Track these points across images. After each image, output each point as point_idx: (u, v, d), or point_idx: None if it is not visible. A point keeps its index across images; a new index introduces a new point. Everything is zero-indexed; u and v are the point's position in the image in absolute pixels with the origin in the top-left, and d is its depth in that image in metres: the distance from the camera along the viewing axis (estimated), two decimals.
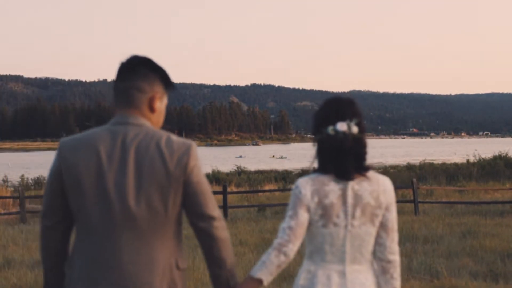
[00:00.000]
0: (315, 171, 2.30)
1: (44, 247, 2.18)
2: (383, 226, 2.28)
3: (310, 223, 2.26)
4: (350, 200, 2.24)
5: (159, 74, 2.21)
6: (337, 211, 2.24)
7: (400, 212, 13.79)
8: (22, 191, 14.13)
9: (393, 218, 2.30)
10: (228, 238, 2.18)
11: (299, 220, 2.22)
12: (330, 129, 2.25)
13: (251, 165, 44.69)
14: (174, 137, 2.15)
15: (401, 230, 10.20)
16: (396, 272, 2.32)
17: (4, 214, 15.32)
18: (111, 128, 2.11)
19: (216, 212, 2.13)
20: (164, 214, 2.05)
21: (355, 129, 2.25)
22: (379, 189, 2.27)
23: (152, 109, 2.20)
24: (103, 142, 2.06)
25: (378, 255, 2.31)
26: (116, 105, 2.17)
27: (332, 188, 2.24)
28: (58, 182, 2.09)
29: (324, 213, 2.23)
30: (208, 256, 2.17)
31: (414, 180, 14.77)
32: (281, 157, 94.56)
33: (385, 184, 2.29)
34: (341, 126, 2.24)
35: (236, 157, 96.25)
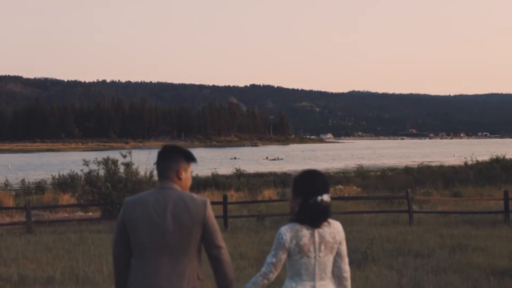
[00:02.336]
0: (293, 220, 3.48)
1: (116, 268, 3.52)
2: (338, 254, 3.53)
3: (291, 256, 3.45)
4: (317, 239, 3.45)
5: (182, 154, 3.51)
6: (308, 248, 3.44)
7: (395, 223, 14.22)
8: (28, 201, 14.45)
9: (344, 249, 3.54)
10: (229, 260, 3.44)
11: (279, 259, 3.45)
12: (319, 199, 3.44)
13: (246, 167, 44.94)
14: (195, 196, 3.44)
15: (394, 243, 10.61)
16: (348, 283, 3.58)
17: (9, 224, 15.62)
18: (156, 191, 3.44)
19: (222, 243, 3.43)
20: (189, 244, 3.35)
21: (329, 198, 3.50)
22: (334, 231, 3.49)
23: (179, 178, 3.47)
24: (151, 201, 3.39)
25: (336, 273, 3.55)
26: (158, 177, 3.50)
27: (305, 233, 3.45)
28: (123, 226, 3.42)
29: (300, 250, 3.43)
30: (216, 272, 3.42)
31: (409, 190, 15.12)
32: (275, 159, 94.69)
33: (338, 227, 3.52)
34: (326, 197, 3.47)
35: (231, 158, 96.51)
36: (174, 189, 3.42)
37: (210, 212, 3.41)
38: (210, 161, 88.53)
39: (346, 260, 3.55)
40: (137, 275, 3.37)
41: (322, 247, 3.44)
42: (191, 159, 3.52)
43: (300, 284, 3.46)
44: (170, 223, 3.33)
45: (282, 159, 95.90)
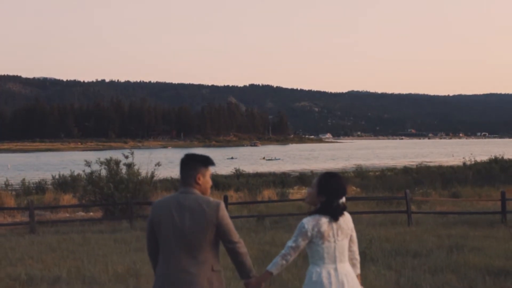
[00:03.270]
0: (315, 212, 4.08)
1: (150, 257, 4.17)
2: (351, 240, 4.21)
3: (314, 242, 4.04)
4: (334, 226, 4.07)
5: (199, 160, 4.03)
6: (328, 234, 4.03)
7: (394, 223, 14.40)
8: (32, 202, 14.62)
9: (355, 235, 4.23)
10: (245, 251, 4.02)
11: (298, 244, 4.04)
12: (340, 201, 4.10)
13: (244, 167, 45.08)
14: (211, 199, 3.96)
15: (393, 243, 10.79)
16: (358, 263, 4.28)
17: (12, 224, 15.77)
18: (178, 195, 4.00)
19: (237, 238, 3.99)
20: (204, 241, 3.90)
21: (345, 199, 4.17)
22: (346, 219, 4.14)
23: (197, 183, 4.00)
24: (173, 203, 3.97)
25: (350, 256, 4.20)
26: (180, 182, 4.04)
27: (324, 221, 4.05)
28: (151, 225, 4.03)
29: (321, 236, 4.01)
30: (235, 262, 4.04)
31: (407, 191, 15.29)
32: (271, 159, 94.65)
33: (349, 217, 4.18)
34: (344, 199, 4.13)
35: (227, 158, 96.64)
36: (193, 193, 3.98)
37: (223, 213, 3.95)
38: None
39: (356, 245, 4.26)
40: (162, 265, 4.01)
41: (339, 233, 4.06)
42: (209, 163, 4.05)
43: (323, 268, 4.01)
44: (188, 223, 3.90)
45: (279, 159, 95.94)
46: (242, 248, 3.98)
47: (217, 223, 3.89)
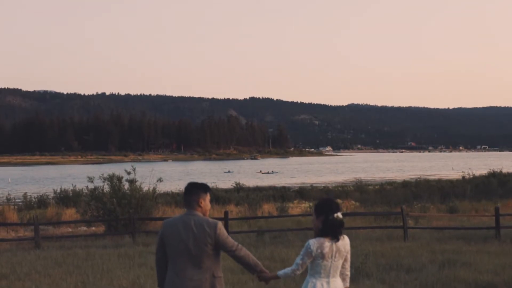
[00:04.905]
0: (318, 235, 4.79)
1: (157, 269, 4.98)
2: (345, 260, 4.91)
3: (315, 260, 4.77)
4: (334, 249, 4.80)
5: (200, 188, 4.93)
6: (328, 255, 4.77)
7: (390, 238, 14.72)
8: (36, 217, 14.93)
9: (349, 256, 4.94)
10: (246, 253, 4.82)
11: (304, 262, 4.77)
12: (335, 215, 4.79)
13: (243, 181, 45.36)
14: (210, 220, 4.81)
15: (388, 258, 11.13)
16: (348, 278, 4.99)
17: (17, 239, 16.07)
18: (184, 216, 4.86)
19: (234, 246, 4.79)
20: (205, 254, 4.71)
21: (341, 216, 4.84)
22: (345, 243, 4.87)
23: (199, 206, 4.88)
24: (180, 223, 4.82)
25: (341, 272, 4.93)
26: (185, 205, 4.90)
27: (327, 244, 4.78)
28: (161, 240, 4.87)
29: (322, 256, 4.75)
30: (241, 264, 4.85)
31: (403, 206, 15.63)
32: (268, 173, 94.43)
33: (347, 241, 4.90)
34: (340, 214, 4.83)
35: (224, 172, 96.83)
36: (195, 215, 4.88)
37: (220, 231, 4.81)
38: (206, 174, 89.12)
39: (349, 263, 5.00)
40: (170, 274, 4.84)
41: (337, 255, 4.82)
42: (208, 190, 4.99)
43: (318, 280, 4.81)
44: (191, 239, 4.76)
45: (276, 172, 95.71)
46: (241, 251, 4.78)
47: (216, 239, 4.74)
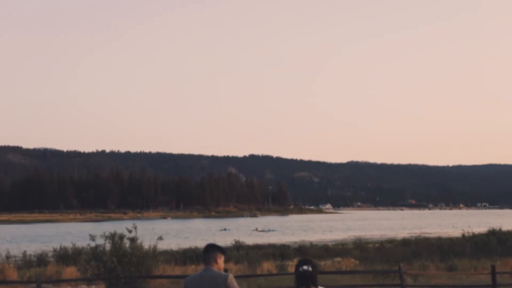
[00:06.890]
0: (294, 286, 5.68)
1: None
2: None
3: None
4: None
5: (217, 248, 6.15)
6: None
7: None
8: (39, 276, 15.09)
9: None
10: None
11: None
12: (300, 268, 5.67)
13: (242, 239, 45.52)
14: (223, 273, 5.98)
15: None
16: None
17: None
18: (202, 272, 6.01)
19: None
20: None
21: (310, 268, 5.64)
22: None
23: (216, 262, 6.05)
24: (199, 277, 6.00)
25: None
26: (203, 261, 6.09)
27: None
28: None
29: None
30: None
31: (401, 265, 15.81)
32: (264, 230, 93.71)
33: None
34: (305, 267, 5.67)
35: (220, 230, 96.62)
36: (212, 270, 6.01)
37: (231, 281, 5.96)
38: (202, 232, 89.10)
39: None
40: None
41: None
42: (224, 252, 6.17)
43: None
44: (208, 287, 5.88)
45: (274, 230, 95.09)
46: None
47: (226, 287, 5.90)
